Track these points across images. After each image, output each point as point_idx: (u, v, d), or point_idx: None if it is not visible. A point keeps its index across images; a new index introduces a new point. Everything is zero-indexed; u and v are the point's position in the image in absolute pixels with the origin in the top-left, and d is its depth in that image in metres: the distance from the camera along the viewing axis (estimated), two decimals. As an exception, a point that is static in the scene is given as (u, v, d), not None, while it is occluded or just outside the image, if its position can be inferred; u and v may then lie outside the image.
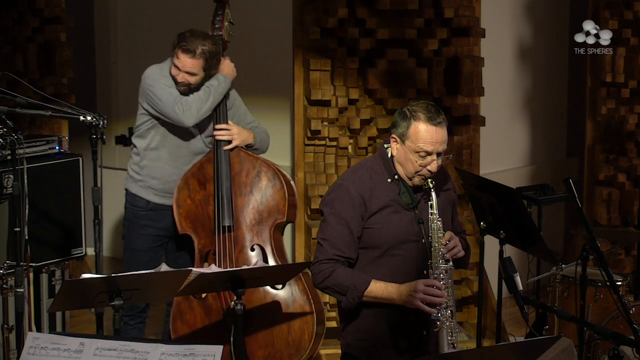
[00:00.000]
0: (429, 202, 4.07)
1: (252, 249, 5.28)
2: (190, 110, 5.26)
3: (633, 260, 6.91)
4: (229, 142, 5.37)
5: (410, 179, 4.09)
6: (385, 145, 4.17)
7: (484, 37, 6.28)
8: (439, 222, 4.06)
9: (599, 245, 4.16)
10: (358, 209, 4.07)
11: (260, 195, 5.29)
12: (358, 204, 4.07)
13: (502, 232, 4.92)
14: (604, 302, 5.38)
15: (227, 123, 5.39)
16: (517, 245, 5.03)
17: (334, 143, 6.17)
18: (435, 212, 4.05)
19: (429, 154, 4.02)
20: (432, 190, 4.05)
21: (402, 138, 4.05)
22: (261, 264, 4.90)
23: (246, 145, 5.44)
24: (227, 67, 5.42)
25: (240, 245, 5.27)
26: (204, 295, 5.25)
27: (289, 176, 5.41)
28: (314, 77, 6.08)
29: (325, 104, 6.12)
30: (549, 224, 6.87)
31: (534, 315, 5.94)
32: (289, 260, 5.42)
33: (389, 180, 4.12)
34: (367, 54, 6.12)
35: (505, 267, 4.08)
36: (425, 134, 4.01)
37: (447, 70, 6.24)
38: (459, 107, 6.24)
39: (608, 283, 4.20)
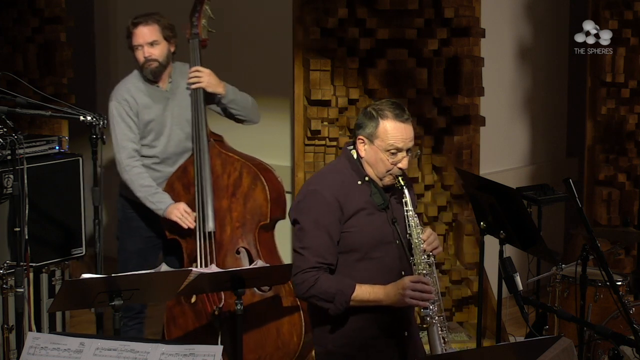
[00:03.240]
0: (403, 200, 4.05)
1: (238, 252, 5.24)
2: (126, 174, 5.28)
3: (633, 260, 6.91)
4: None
5: (381, 179, 4.07)
6: (349, 148, 4.13)
7: (484, 37, 6.28)
8: (416, 219, 4.05)
9: (599, 245, 4.16)
10: (335, 214, 4.01)
11: (242, 198, 5.24)
12: (335, 208, 4.01)
13: (502, 232, 4.92)
14: (604, 302, 5.38)
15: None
16: (517, 245, 5.03)
17: (334, 143, 6.17)
18: (410, 208, 4.05)
19: (399, 150, 4.01)
20: (405, 187, 4.05)
21: (371, 138, 4.02)
22: (261, 264, 4.90)
23: (220, 98, 5.37)
24: (175, 208, 5.24)
25: (225, 248, 5.23)
26: (193, 300, 5.23)
27: (274, 173, 5.33)
28: (314, 77, 6.08)
29: (325, 104, 6.12)
30: (549, 224, 6.87)
31: (534, 315, 5.94)
32: (283, 259, 5.37)
33: (359, 182, 4.09)
34: (367, 54, 6.12)
35: (505, 267, 4.09)
36: (395, 131, 4.00)
37: (447, 70, 6.24)
38: (459, 107, 6.24)
39: (608, 283, 4.20)
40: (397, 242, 4.06)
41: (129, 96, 5.31)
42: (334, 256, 4.04)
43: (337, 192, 4.04)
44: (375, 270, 4.06)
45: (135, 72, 5.39)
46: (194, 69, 5.35)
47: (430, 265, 4.04)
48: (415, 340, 4.16)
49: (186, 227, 5.22)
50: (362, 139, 4.06)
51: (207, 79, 5.32)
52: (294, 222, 4.09)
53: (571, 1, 7.64)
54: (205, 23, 5.41)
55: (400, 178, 4.04)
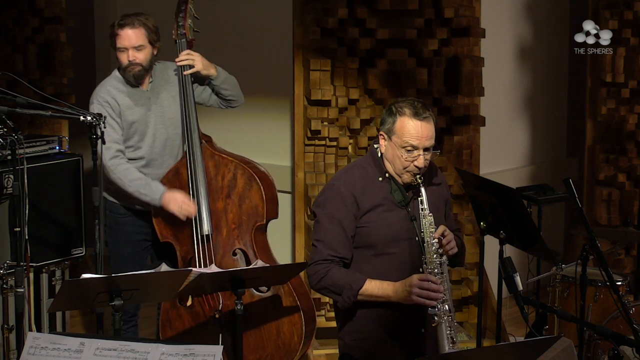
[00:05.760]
0: (419, 198, 4.07)
1: (235, 254, 5.22)
2: (112, 174, 5.19)
3: (633, 260, 6.91)
4: (191, 68, 5.29)
5: (399, 176, 4.11)
6: (375, 146, 4.19)
7: (484, 37, 6.28)
8: (430, 218, 4.06)
9: (599, 245, 4.16)
10: (350, 208, 4.08)
11: (237, 199, 5.22)
12: (350, 203, 4.08)
13: (502, 232, 4.93)
14: (604, 302, 5.38)
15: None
16: (517, 245, 5.04)
17: (334, 143, 6.17)
18: (425, 207, 4.06)
19: (415, 148, 4.04)
20: (422, 186, 4.06)
21: (389, 134, 4.08)
22: (261, 264, 4.89)
23: (211, 80, 5.35)
24: (172, 199, 5.16)
25: (222, 250, 5.21)
26: (189, 302, 5.22)
27: (266, 172, 5.30)
28: (314, 77, 6.08)
29: (325, 104, 6.12)
30: (549, 224, 6.87)
31: (534, 315, 5.94)
32: (276, 259, 5.35)
33: (380, 178, 4.13)
34: (367, 54, 6.12)
35: (505, 267, 4.08)
36: (411, 129, 4.03)
37: (447, 70, 6.24)
38: (459, 107, 6.23)
39: (608, 283, 4.20)
40: (416, 239, 4.08)
41: (110, 98, 5.26)
42: (347, 250, 4.09)
43: (354, 187, 4.10)
44: (391, 266, 4.10)
45: (115, 74, 5.35)
46: (184, 52, 5.30)
47: (441, 265, 4.05)
48: (434, 337, 4.16)
49: (185, 218, 5.17)
50: (382, 135, 4.13)
51: (200, 61, 5.30)
52: (314, 215, 4.19)
53: (571, 1, 7.64)
54: (190, 23, 5.37)
55: (418, 176, 4.06)
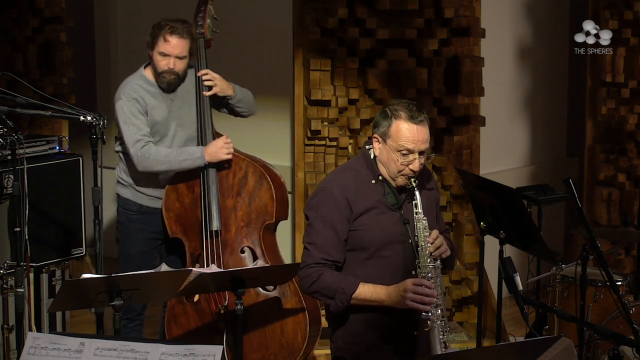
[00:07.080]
0: (414, 202, 4.06)
1: (242, 251, 5.24)
2: (147, 160, 5.19)
3: (633, 260, 6.92)
4: (210, 88, 5.33)
5: (393, 179, 4.08)
6: (367, 147, 4.16)
7: (484, 37, 6.28)
8: (424, 221, 4.05)
9: (599, 245, 4.16)
10: (344, 212, 4.05)
11: (247, 197, 5.24)
12: (343, 206, 4.05)
13: (502, 232, 4.93)
14: (604, 302, 5.38)
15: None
16: (517, 245, 5.04)
17: (334, 143, 6.17)
18: (420, 211, 4.04)
19: (410, 152, 4.01)
20: (416, 189, 4.05)
21: (384, 137, 4.05)
22: (261, 264, 4.90)
23: (228, 99, 5.39)
24: (214, 147, 5.25)
25: (229, 248, 5.23)
26: (196, 298, 5.23)
27: (278, 173, 5.34)
28: (314, 77, 6.08)
29: (325, 104, 6.12)
30: (549, 224, 6.87)
31: (534, 315, 5.94)
32: (284, 259, 5.38)
33: (373, 181, 4.10)
34: (367, 54, 6.12)
35: (505, 267, 4.08)
36: (407, 132, 4.00)
37: (447, 70, 6.24)
38: (459, 107, 6.24)
39: (608, 283, 4.20)
40: (409, 241, 4.07)
41: (137, 96, 5.27)
42: (340, 253, 4.07)
43: (347, 190, 4.07)
44: (384, 269, 4.07)
45: (140, 73, 5.35)
46: (206, 74, 5.33)
47: (435, 269, 4.04)
48: (426, 340, 4.16)
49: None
50: (376, 138, 4.09)
51: (220, 84, 5.33)
52: (306, 217, 4.16)
53: (571, 1, 7.64)
54: (209, 23, 5.41)
55: (412, 180, 4.04)
